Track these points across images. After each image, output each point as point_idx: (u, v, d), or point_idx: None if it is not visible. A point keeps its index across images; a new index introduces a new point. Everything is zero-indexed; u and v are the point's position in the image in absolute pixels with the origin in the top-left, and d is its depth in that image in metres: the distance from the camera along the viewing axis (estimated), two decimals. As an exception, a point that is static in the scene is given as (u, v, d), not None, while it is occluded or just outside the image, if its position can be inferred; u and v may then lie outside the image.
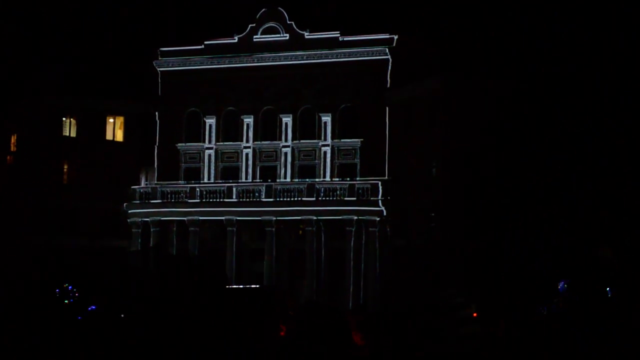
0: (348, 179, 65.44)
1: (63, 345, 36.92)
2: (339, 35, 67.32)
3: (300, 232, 65.15)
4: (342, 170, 66.89)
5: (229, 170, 67.97)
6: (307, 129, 66.68)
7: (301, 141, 66.67)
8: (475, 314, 33.11)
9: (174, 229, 65.79)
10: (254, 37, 68.83)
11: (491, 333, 28.97)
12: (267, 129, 67.60)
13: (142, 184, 69.61)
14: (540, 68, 61.97)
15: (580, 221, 57.61)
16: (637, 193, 57.04)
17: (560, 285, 46.84)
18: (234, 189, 65.06)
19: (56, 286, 47.53)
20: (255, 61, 67.80)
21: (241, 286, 60.11)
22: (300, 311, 41.68)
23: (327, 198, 63.69)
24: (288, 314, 42.92)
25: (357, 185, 63.96)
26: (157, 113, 70.17)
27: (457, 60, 63.57)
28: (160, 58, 70.29)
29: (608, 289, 46.10)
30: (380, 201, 63.28)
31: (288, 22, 68.76)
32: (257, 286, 60.04)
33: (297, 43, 67.91)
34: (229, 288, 53.81)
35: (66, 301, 45.79)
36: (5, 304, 44.86)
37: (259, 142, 67.52)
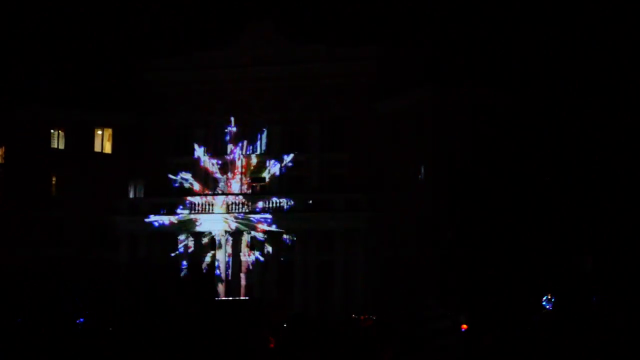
0: (336, 190, 65.52)
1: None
2: (326, 47, 67.51)
3: (290, 243, 65.19)
4: (331, 181, 66.98)
5: (218, 181, 67.96)
6: (295, 140, 66.79)
7: (290, 153, 66.75)
8: (465, 326, 33.07)
9: (163, 240, 65.73)
10: (242, 49, 68.92)
11: (477, 343, 29.02)
12: (256, 141, 67.69)
13: (131, 196, 69.54)
14: (527, 77, 62.17)
15: (561, 230, 57.83)
16: (617, 202, 57.31)
17: (544, 300, 46.96)
18: (223, 201, 65.05)
19: (50, 299, 47.34)
20: (244, 73, 67.88)
21: (230, 298, 60.07)
22: (288, 323, 41.65)
23: (316, 209, 63.75)
24: (277, 326, 42.87)
25: (345, 197, 64.06)
26: (145, 125, 70.21)
27: (444, 70, 63.74)
28: (148, 70, 70.34)
29: (594, 297, 46.24)
30: (368, 212, 63.39)
31: (276, 34, 68.91)
32: (247, 298, 60.05)
33: (285, 55, 68.05)
34: (217, 300, 53.78)
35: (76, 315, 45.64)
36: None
37: (248, 154, 67.57)
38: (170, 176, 67.81)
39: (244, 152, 67.43)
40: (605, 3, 61.38)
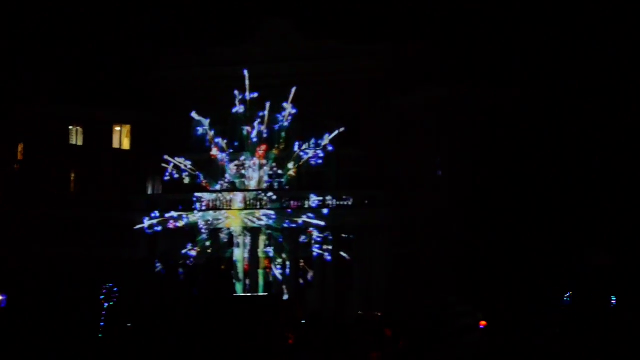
0: (353, 186, 65.49)
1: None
2: (342, 43, 67.51)
3: (308, 240, 65.13)
4: (348, 178, 66.98)
5: (235, 178, 67.86)
6: (311, 137, 66.56)
7: (306, 149, 66.58)
8: (484, 322, 33.04)
9: (181, 237, 65.69)
10: (258, 45, 68.96)
11: (497, 342, 28.91)
12: (272, 137, 67.59)
13: (149, 192, 69.61)
14: (545, 74, 62.04)
15: (578, 227, 57.70)
16: (633, 199, 57.14)
17: (565, 297, 46.78)
18: (241, 197, 65.03)
19: (68, 293, 47.48)
20: (260, 70, 67.81)
21: (249, 294, 60.19)
22: (307, 320, 41.74)
23: (332, 206, 63.72)
24: (296, 322, 42.95)
25: (362, 193, 64.03)
26: (163, 121, 70.26)
27: (461, 66, 63.70)
28: (164, 66, 70.44)
29: (613, 298, 46.02)
30: (385, 209, 63.33)
31: (292, 30, 68.93)
32: (265, 294, 60.16)
33: (300, 51, 68.06)
34: (236, 296, 53.84)
35: (109, 303, 45.65)
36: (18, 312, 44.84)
37: (264, 150, 67.39)
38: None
39: (261, 149, 67.27)
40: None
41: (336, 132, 64.79)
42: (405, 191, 64.01)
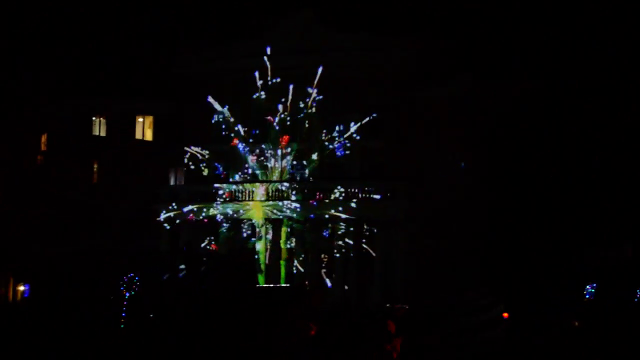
0: (376, 179, 65.45)
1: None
2: (364, 36, 67.45)
3: (330, 232, 65.15)
4: (369, 170, 66.91)
5: (256, 168, 67.96)
6: (333, 128, 66.56)
7: (329, 142, 66.57)
8: (506, 315, 32.73)
9: (203, 228, 65.81)
10: (281, 38, 68.96)
11: (522, 337, 28.70)
12: (294, 129, 67.61)
13: (171, 183, 69.76)
14: (566, 67, 61.88)
15: (601, 220, 57.54)
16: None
17: (587, 289, 46.48)
18: (263, 188, 65.07)
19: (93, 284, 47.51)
20: (282, 62, 67.76)
21: (271, 285, 60.22)
22: (329, 311, 41.74)
23: (354, 198, 63.69)
24: (318, 314, 42.91)
25: (384, 186, 63.95)
26: (185, 113, 70.40)
27: (481, 59, 63.62)
28: (186, 59, 70.57)
29: (638, 291, 45.75)
30: (407, 202, 63.24)
31: (314, 23, 68.89)
32: (287, 285, 60.17)
33: (323, 44, 67.99)
34: (258, 287, 53.89)
35: (131, 293, 45.72)
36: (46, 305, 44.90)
37: (286, 140, 67.41)
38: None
39: (282, 140, 67.28)
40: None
41: (365, 120, 64.82)
42: (426, 184, 63.94)
